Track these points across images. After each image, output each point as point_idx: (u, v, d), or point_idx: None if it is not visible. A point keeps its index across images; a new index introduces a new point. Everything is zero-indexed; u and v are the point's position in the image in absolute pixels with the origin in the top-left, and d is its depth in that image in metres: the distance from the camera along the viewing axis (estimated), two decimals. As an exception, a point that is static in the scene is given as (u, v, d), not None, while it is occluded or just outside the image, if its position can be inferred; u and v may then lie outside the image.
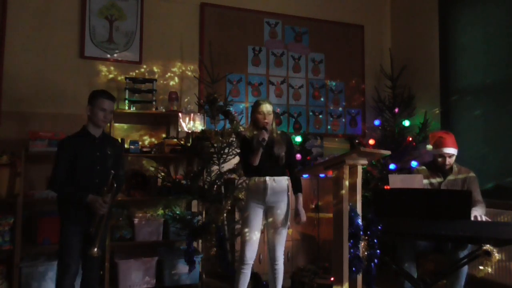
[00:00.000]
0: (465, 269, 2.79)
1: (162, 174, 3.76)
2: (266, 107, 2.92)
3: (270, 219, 2.92)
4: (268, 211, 2.91)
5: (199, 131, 3.70)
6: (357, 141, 4.55)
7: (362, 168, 2.60)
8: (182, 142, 3.78)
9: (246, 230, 2.88)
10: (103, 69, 3.97)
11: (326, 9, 4.84)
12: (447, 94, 4.22)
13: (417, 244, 2.98)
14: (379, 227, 2.38)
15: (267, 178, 2.86)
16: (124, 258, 3.53)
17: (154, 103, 3.89)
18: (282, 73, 4.63)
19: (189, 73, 4.24)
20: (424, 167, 3.25)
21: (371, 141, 4.41)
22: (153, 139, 4.07)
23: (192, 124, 3.68)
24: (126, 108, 3.81)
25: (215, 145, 3.60)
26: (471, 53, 4.02)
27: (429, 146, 3.26)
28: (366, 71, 4.97)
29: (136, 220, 3.60)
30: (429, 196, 2.69)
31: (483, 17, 3.92)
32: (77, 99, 3.71)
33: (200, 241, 3.81)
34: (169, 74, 4.19)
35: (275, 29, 4.63)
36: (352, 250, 2.29)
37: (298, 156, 4.27)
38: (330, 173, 2.43)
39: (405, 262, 2.92)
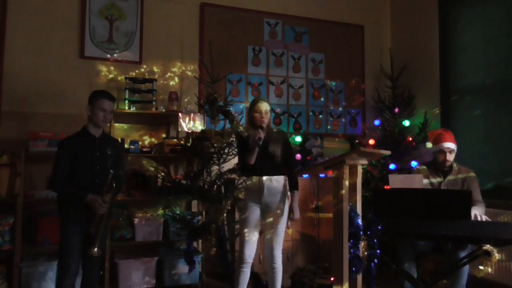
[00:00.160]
0: (466, 269, 2.79)
1: (162, 174, 3.76)
2: (263, 106, 2.93)
3: (268, 219, 2.92)
4: (265, 211, 2.92)
5: (199, 131, 3.70)
6: (357, 141, 4.54)
7: (362, 168, 2.60)
8: (182, 142, 3.78)
9: (245, 229, 2.88)
10: (103, 69, 3.97)
11: (326, 9, 4.84)
12: (447, 94, 4.22)
13: (417, 244, 2.98)
14: (379, 227, 2.38)
15: (264, 177, 2.87)
16: (124, 258, 3.53)
17: (154, 103, 3.89)
18: (282, 73, 4.63)
19: (189, 73, 4.24)
20: (424, 167, 3.26)
21: (371, 141, 4.41)
22: (153, 139, 4.07)
23: (192, 124, 3.68)
24: (126, 108, 3.81)
25: (215, 145, 3.60)
26: (471, 53, 4.02)
27: (429, 144, 3.26)
28: (366, 71, 4.97)
29: (136, 220, 3.60)
30: (429, 196, 2.69)
31: (483, 17, 3.92)
32: (77, 99, 3.71)
33: (200, 241, 3.81)
34: (169, 74, 4.19)
35: (275, 29, 4.63)
36: (352, 250, 2.29)
37: (298, 156, 4.27)
38: (330, 173, 2.43)
39: (405, 262, 2.92)
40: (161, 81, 4.12)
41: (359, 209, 2.41)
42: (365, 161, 2.50)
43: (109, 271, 3.46)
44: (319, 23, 4.80)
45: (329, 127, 4.79)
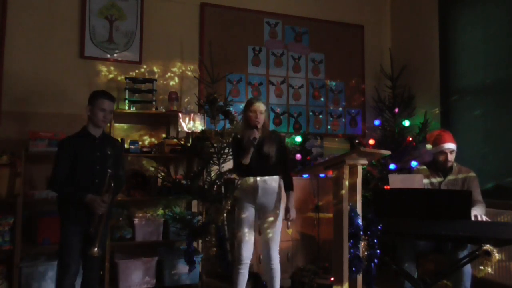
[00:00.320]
0: (469, 269, 2.78)
1: (162, 174, 3.76)
2: (259, 106, 2.92)
3: (263, 219, 2.91)
4: (260, 211, 2.91)
5: (199, 131, 3.70)
6: (357, 141, 4.54)
7: (362, 168, 2.60)
8: (182, 142, 3.78)
9: (241, 230, 2.88)
10: (103, 69, 3.97)
11: (326, 9, 4.84)
12: (447, 94, 4.22)
13: (417, 244, 2.98)
14: (379, 227, 2.38)
15: (258, 178, 2.87)
16: (124, 258, 3.53)
17: (154, 103, 3.89)
18: (282, 73, 4.63)
19: (189, 73, 4.24)
20: (424, 167, 3.26)
21: (371, 141, 4.41)
22: (153, 139, 4.07)
23: (192, 124, 3.68)
24: (126, 108, 3.81)
25: (215, 145, 3.60)
26: (471, 53, 4.02)
27: (429, 146, 3.26)
28: (366, 71, 4.97)
29: (136, 220, 3.60)
30: (429, 196, 2.69)
31: (483, 17, 3.92)
32: (77, 99, 3.71)
33: (200, 241, 3.81)
34: (169, 74, 4.19)
35: (275, 29, 4.63)
36: (352, 250, 2.29)
37: (298, 156, 4.27)
38: (330, 173, 2.43)
39: (405, 262, 2.92)
40: (161, 81, 4.12)
41: (359, 209, 2.41)
42: (365, 161, 2.51)
43: (109, 271, 3.46)
44: (319, 23, 4.80)
45: (329, 127, 4.79)
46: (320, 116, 4.76)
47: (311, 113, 4.72)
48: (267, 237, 2.90)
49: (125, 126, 4.02)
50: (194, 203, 3.93)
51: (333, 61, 4.84)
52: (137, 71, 4.07)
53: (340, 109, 4.85)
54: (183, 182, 3.64)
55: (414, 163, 4.06)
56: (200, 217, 3.65)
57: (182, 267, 3.55)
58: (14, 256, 3.22)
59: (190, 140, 3.83)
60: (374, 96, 4.67)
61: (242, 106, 4.34)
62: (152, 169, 3.90)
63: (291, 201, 2.98)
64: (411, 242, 2.95)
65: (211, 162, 3.70)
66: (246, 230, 2.87)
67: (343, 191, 2.32)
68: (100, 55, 3.95)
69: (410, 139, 4.23)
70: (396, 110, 4.44)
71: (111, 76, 3.98)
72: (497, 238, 2.39)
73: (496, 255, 2.37)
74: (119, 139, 3.33)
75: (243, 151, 2.84)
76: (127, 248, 3.68)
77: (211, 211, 3.60)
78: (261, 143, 2.88)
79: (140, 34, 4.08)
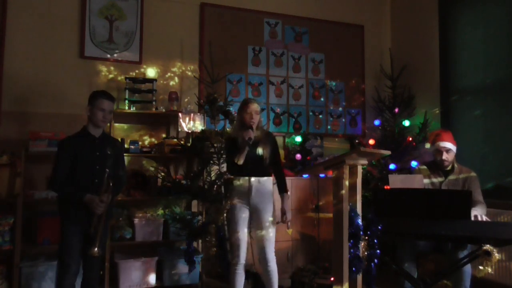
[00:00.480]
0: (469, 269, 2.78)
1: (162, 174, 3.76)
2: (253, 107, 2.92)
3: (257, 221, 2.90)
4: (254, 212, 2.90)
5: (199, 131, 3.70)
6: (357, 141, 4.54)
7: (362, 168, 2.60)
8: (182, 142, 3.78)
9: (235, 230, 2.87)
10: (103, 69, 3.97)
11: (326, 9, 4.84)
12: (447, 94, 4.22)
13: (417, 244, 2.98)
14: (379, 227, 2.38)
15: (252, 178, 2.86)
16: (124, 258, 3.53)
17: (154, 103, 3.89)
18: (282, 73, 4.63)
19: (189, 73, 4.24)
20: (425, 167, 3.26)
21: (371, 141, 4.41)
22: (153, 139, 4.07)
23: (192, 124, 3.68)
24: (126, 108, 3.81)
25: (215, 145, 3.60)
26: (471, 53, 4.02)
27: (428, 145, 3.27)
28: (366, 71, 4.97)
29: (136, 220, 3.60)
30: (429, 196, 2.69)
31: (483, 17, 3.92)
32: (77, 99, 3.71)
33: (200, 241, 3.81)
34: (169, 74, 4.19)
35: (275, 29, 4.63)
36: (352, 250, 2.29)
37: (298, 156, 4.27)
38: (330, 173, 2.43)
39: (405, 262, 2.92)
40: (161, 81, 4.12)
41: (359, 209, 2.41)
42: (365, 161, 2.51)
43: (109, 271, 3.46)
44: (319, 23, 4.80)
45: (329, 127, 4.79)
46: (320, 116, 4.76)
47: (311, 113, 4.72)
48: (262, 238, 2.88)
49: (125, 126, 4.02)
50: (194, 203, 3.93)
51: (333, 61, 4.84)
52: (137, 71, 4.07)
53: (340, 109, 4.85)
54: (183, 182, 3.65)
55: (414, 163, 4.06)
56: (200, 217, 3.64)
57: (182, 267, 3.55)
58: (14, 256, 3.22)
59: (190, 140, 3.83)
60: (374, 96, 4.67)
61: (242, 106, 4.39)
62: (152, 169, 3.90)
63: (287, 203, 2.99)
64: (411, 242, 2.95)
65: (211, 162, 3.70)
66: (240, 230, 2.86)
67: (343, 191, 2.32)
68: (100, 55, 3.96)
69: (410, 139, 4.23)
70: (396, 110, 4.44)
71: (111, 76, 3.98)
72: (497, 238, 2.39)
73: (496, 255, 2.37)
74: (119, 139, 3.33)
75: (237, 151, 2.84)
76: (127, 248, 3.68)
77: (211, 211, 3.61)
78: (256, 143, 2.87)
79: (140, 34, 4.08)
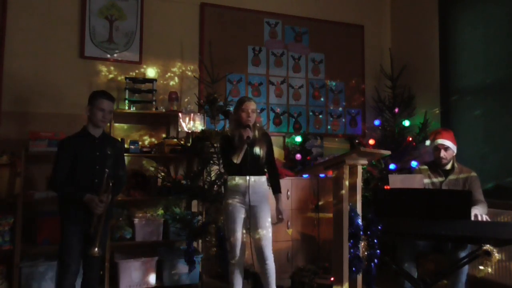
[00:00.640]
0: (465, 269, 2.79)
1: (162, 174, 3.77)
2: (250, 105, 2.92)
3: (254, 220, 2.89)
4: (251, 211, 2.89)
5: (199, 131, 3.70)
6: (357, 141, 4.54)
7: (362, 168, 2.60)
8: (182, 142, 3.78)
9: (232, 230, 2.87)
10: (103, 69, 3.97)
11: (326, 9, 4.84)
12: (447, 94, 4.22)
13: (417, 244, 2.98)
14: (379, 227, 2.39)
15: (248, 177, 2.86)
16: (124, 258, 3.53)
17: (154, 103, 3.89)
18: (282, 73, 4.63)
19: (189, 73, 4.24)
20: (425, 167, 3.26)
21: (371, 141, 4.41)
22: (153, 139, 4.07)
23: (192, 124, 3.68)
24: (126, 108, 3.81)
25: (215, 145, 3.60)
26: (471, 53, 4.01)
27: (428, 142, 3.27)
28: (366, 71, 4.97)
29: (136, 220, 3.60)
30: (429, 196, 2.69)
31: (483, 17, 3.92)
32: (77, 99, 3.71)
33: (200, 241, 3.81)
34: (169, 74, 4.19)
35: (275, 29, 4.63)
36: (352, 250, 2.29)
37: (298, 156, 4.27)
38: (330, 173, 2.43)
39: (405, 262, 2.92)
40: (161, 81, 4.12)
41: (359, 209, 2.41)
42: (365, 161, 2.51)
43: (109, 271, 3.46)
44: (319, 23, 4.80)
45: (329, 127, 4.79)
46: (320, 116, 4.76)
47: (311, 113, 4.72)
48: (259, 237, 2.88)
49: (125, 126, 4.02)
50: (194, 203, 3.93)
51: (333, 61, 4.84)
52: (137, 71, 4.07)
53: (340, 109, 4.85)
54: (183, 182, 3.65)
55: (414, 163, 4.06)
56: (200, 217, 3.64)
57: (182, 267, 3.55)
58: (14, 256, 3.22)
59: (190, 140, 3.83)
60: (374, 96, 4.67)
61: (242, 106, 4.39)
62: (152, 169, 3.90)
63: (281, 203, 3.01)
64: (411, 242, 2.95)
65: (211, 162, 3.70)
66: (237, 229, 2.87)
67: (343, 191, 2.32)
68: (100, 55, 3.95)
69: (410, 139, 4.23)
70: (396, 110, 4.44)
71: (111, 76, 3.98)
72: (497, 238, 2.39)
73: (496, 255, 2.37)
74: (119, 139, 3.33)
75: (233, 149, 2.84)
76: (127, 248, 3.68)
77: (211, 211, 3.61)
78: (252, 143, 2.87)
79: (140, 34, 4.08)
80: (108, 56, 3.98)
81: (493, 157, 3.72)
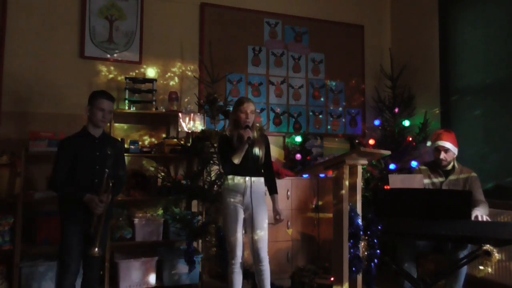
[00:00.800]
0: (464, 269, 2.79)
1: (162, 174, 3.77)
2: (249, 106, 2.92)
3: (251, 220, 2.88)
4: (249, 212, 2.88)
5: (199, 131, 3.70)
6: (357, 141, 4.54)
7: (362, 168, 2.60)
8: (182, 142, 3.78)
9: (231, 230, 2.87)
10: (103, 69, 3.97)
11: (326, 9, 4.84)
12: (447, 94, 4.22)
13: (417, 244, 2.99)
14: (379, 227, 2.39)
15: (247, 178, 2.86)
16: (124, 258, 3.52)
17: (154, 103, 3.89)
18: (282, 73, 4.63)
19: (189, 73, 4.24)
20: (425, 167, 3.26)
21: (371, 141, 4.41)
22: (153, 139, 4.07)
23: (192, 124, 3.68)
24: (126, 108, 3.81)
25: (215, 145, 3.60)
26: (471, 53, 4.02)
27: (429, 143, 3.27)
28: (366, 71, 4.97)
29: (136, 220, 3.60)
30: (429, 196, 2.69)
31: (483, 17, 3.92)
32: (77, 99, 3.71)
33: (200, 241, 3.81)
34: (169, 74, 4.19)
35: (275, 29, 4.63)
36: (352, 250, 2.29)
37: (298, 156, 4.27)
38: (330, 173, 2.43)
39: (405, 262, 2.92)
40: (161, 81, 4.12)
41: (359, 209, 2.41)
42: (365, 161, 2.51)
43: (109, 271, 3.46)
44: (319, 23, 4.80)
45: (329, 127, 4.79)
46: (320, 116, 4.76)
47: (311, 113, 4.72)
48: (256, 237, 2.87)
49: (125, 126, 4.02)
50: (194, 203, 3.93)
51: (333, 61, 4.84)
52: (137, 71, 4.07)
53: (340, 109, 4.85)
54: (183, 182, 3.65)
55: (414, 163, 4.06)
56: (200, 217, 3.64)
57: (182, 267, 3.55)
58: (14, 256, 3.22)
59: (190, 140, 3.83)
60: (374, 96, 4.67)
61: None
62: (152, 169, 3.90)
63: (278, 204, 3.01)
64: (411, 242, 2.95)
65: (211, 162, 3.70)
66: (236, 229, 2.86)
67: (343, 191, 2.32)
68: (100, 55, 3.95)
69: (410, 139, 4.23)
70: (396, 110, 4.45)
71: (111, 76, 3.98)
72: (497, 238, 2.39)
73: (496, 255, 2.38)
74: (119, 139, 3.33)
75: (232, 150, 2.84)
76: (127, 248, 3.68)
77: (211, 211, 3.61)
78: (252, 143, 2.87)
79: (140, 34, 4.08)
80: (108, 56, 3.98)
81: (493, 157, 3.72)
